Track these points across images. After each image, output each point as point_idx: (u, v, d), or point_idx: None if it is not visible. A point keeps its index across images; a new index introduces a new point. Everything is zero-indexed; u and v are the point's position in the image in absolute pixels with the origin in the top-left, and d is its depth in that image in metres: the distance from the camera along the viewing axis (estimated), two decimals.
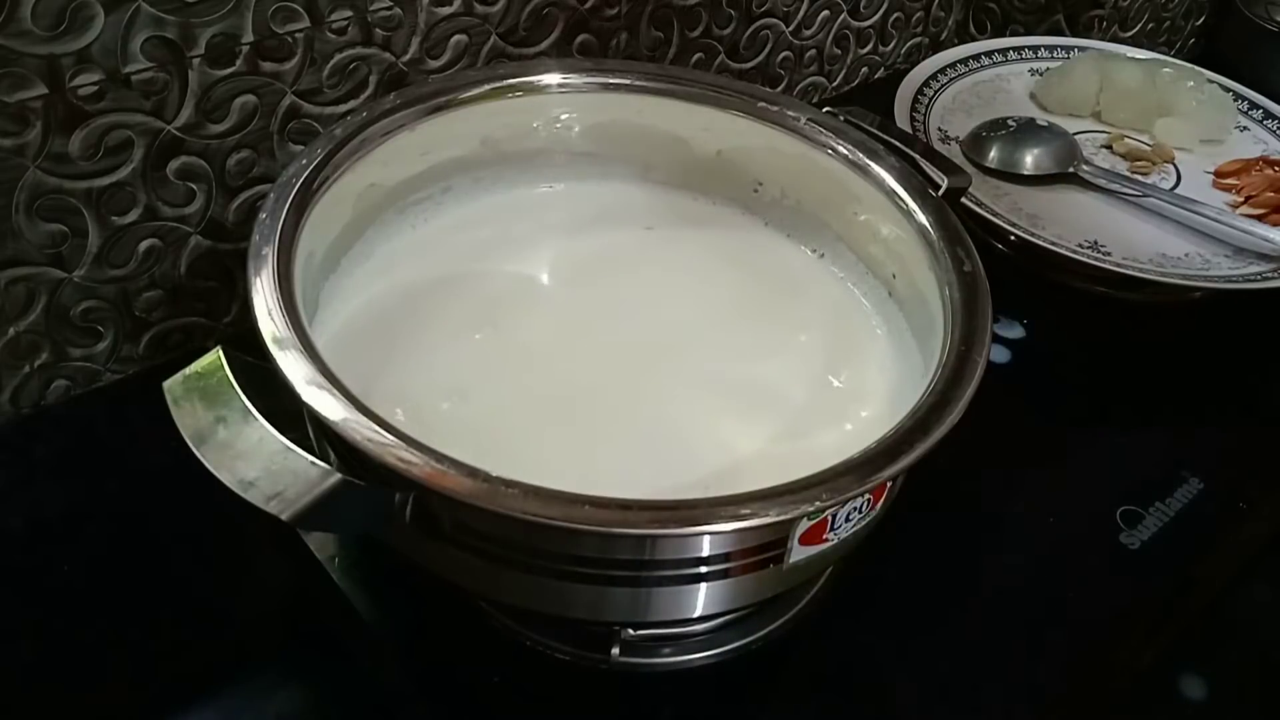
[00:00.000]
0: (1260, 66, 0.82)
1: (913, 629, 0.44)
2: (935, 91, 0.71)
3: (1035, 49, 0.76)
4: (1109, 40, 0.80)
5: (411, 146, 0.45)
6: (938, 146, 0.65)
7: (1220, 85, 0.73)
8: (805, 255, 0.50)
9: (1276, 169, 0.67)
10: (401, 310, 0.44)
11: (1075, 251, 0.58)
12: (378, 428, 0.31)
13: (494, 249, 0.48)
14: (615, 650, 0.40)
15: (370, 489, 0.32)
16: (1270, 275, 0.58)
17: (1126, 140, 0.70)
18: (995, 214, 0.60)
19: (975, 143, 0.67)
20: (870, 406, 0.42)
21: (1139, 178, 0.66)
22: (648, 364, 0.44)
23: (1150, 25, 0.87)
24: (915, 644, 0.43)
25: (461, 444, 0.31)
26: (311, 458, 0.30)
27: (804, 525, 0.33)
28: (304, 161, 0.40)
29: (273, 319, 0.34)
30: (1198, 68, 0.73)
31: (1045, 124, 0.68)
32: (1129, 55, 0.74)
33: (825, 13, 0.74)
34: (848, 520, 0.35)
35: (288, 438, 0.31)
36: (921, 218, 0.43)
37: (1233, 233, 0.61)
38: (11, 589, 0.43)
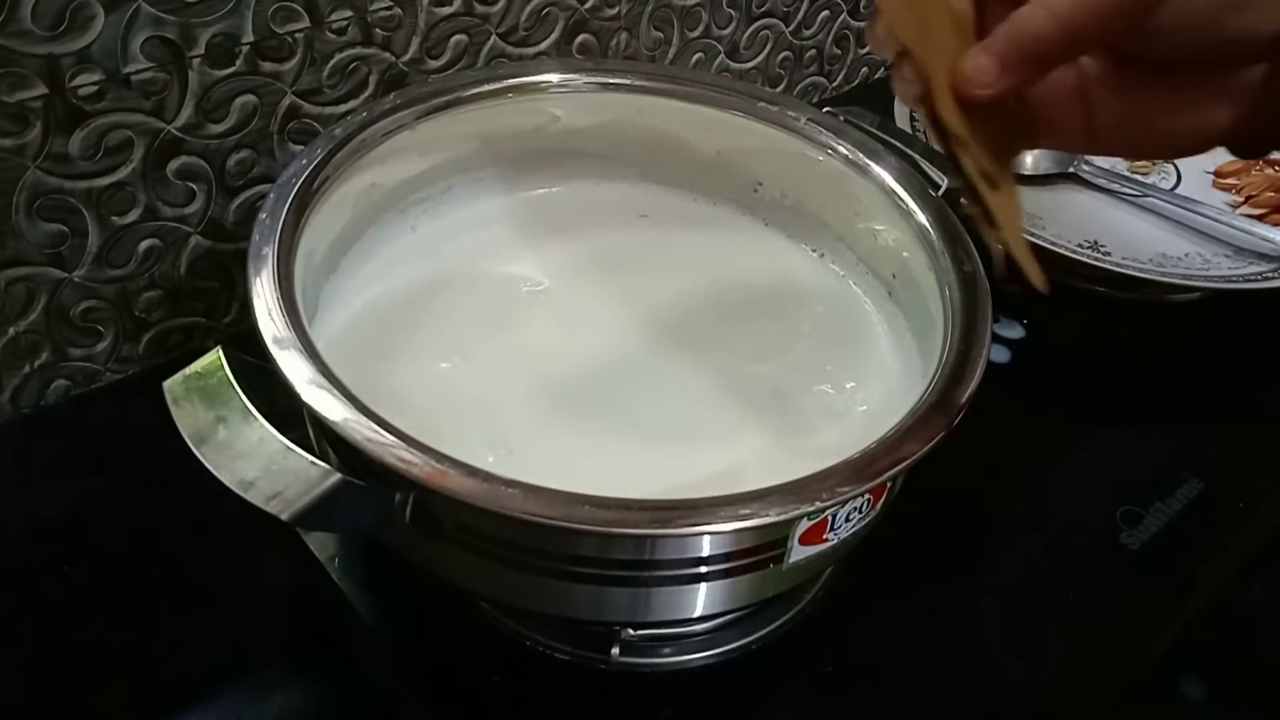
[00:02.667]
0: None
1: (912, 629, 0.44)
2: None
3: None
4: None
5: (411, 146, 0.45)
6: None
7: None
8: (805, 255, 0.50)
9: (1276, 169, 0.67)
10: (402, 312, 0.44)
11: (1075, 251, 0.58)
12: (378, 428, 0.31)
13: (494, 250, 0.48)
14: (615, 650, 0.40)
15: (370, 489, 0.32)
16: (1270, 275, 0.58)
17: None
18: None
19: None
20: (870, 406, 0.42)
21: (1139, 178, 0.66)
22: (648, 364, 0.44)
23: None
24: (915, 644, 0.43)
25: (462, 444, 0.31)
26: (311, 458, 0.30)
27: (804, 525, 0.33)
28: (304, 161, 0.40)
29: (273, 319, 0.34)
30: None
31: None
32: None
33: (825, 13, 0.74)
34: (848, 520, 0.35)
35: (288, 438, 0.31)
36: (921, 218, 0.43)
37: (1233, 233, 0.61)
38: (11, 589, 0.43)
